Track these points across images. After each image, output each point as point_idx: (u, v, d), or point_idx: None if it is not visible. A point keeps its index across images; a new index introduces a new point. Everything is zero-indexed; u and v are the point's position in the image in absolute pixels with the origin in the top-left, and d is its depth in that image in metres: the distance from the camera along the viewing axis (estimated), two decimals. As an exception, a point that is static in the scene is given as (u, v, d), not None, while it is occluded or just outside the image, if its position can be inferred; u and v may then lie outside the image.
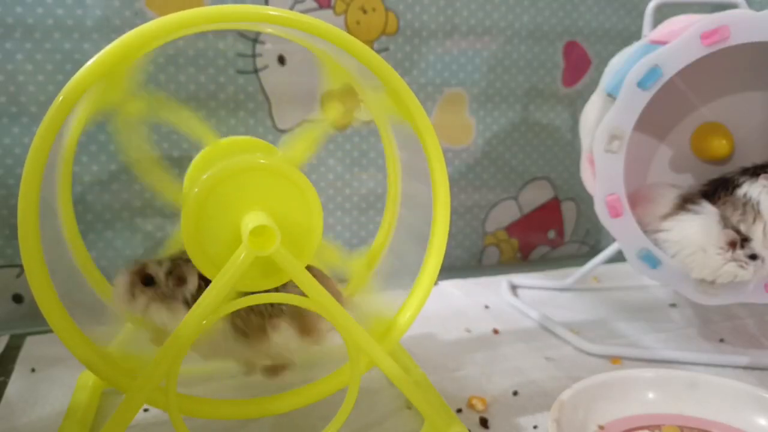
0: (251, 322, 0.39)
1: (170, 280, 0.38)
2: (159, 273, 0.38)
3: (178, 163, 0.62)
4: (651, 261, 0.50)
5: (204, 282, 0.37)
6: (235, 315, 0.37)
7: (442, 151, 0.39)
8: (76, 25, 0.57)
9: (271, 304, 0.39)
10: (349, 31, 0.65)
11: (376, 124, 0.46)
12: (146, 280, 0.38)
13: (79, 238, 0.45)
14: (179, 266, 0.38)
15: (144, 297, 0.38)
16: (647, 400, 0.43)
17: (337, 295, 0.39)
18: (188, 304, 0.37)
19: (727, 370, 0.52)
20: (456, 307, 0.64)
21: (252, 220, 0.34)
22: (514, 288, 0.69)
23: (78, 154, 0.59)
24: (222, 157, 0.38)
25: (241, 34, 0.62)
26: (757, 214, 0.49)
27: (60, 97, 0.32)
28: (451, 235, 0.70)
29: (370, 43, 0.67)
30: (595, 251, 0.74)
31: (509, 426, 0.44)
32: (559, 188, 0.80)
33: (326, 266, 0.45)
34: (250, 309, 0.38)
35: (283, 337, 0.39)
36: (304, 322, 0.40)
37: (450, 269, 0.71)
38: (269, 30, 0.43)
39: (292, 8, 0.63)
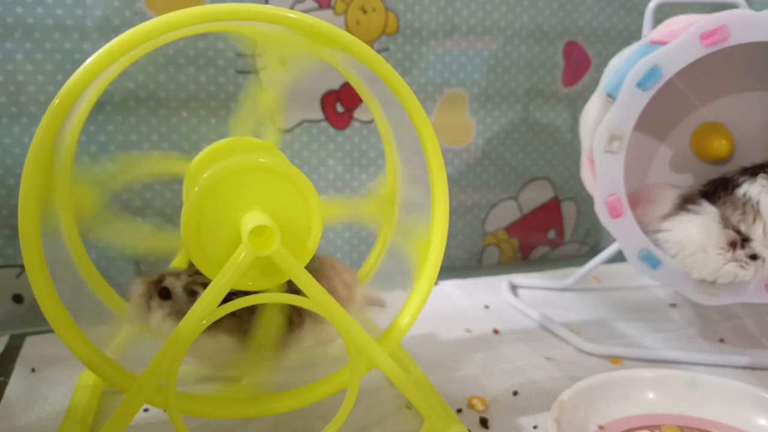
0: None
1: (185, 293, 0.38)
2: (176, 286, 0.38)
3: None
4: (651, 261, 0.50)
5: None
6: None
7: (442, 151, 0.39)
8: (76, 25, 0.57)
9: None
10: (348, 31, 0.65)
11: (376, 125, 0.46)
12: (163, 292, 0.38)
13: (79, 239, 0.45)
14: (195, 281, 0.38)
15: (161, 311, 0.38)
16: (647, 400, 0.43)
17: (349, 287, 0.38)
18: None
19: (727, 370, 0.52)
20: (456, 307, 0.64)
21: (252, 220, 0.34)
22: (514, 288, 0.69)
23: (78, 154, 0.59)
24: (222, 156, 0.38)
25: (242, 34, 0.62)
26: (757, 213, 0.49)
27: (59, 98, 0.32)
28: (451, 235, 0.70)
29: (370, 43, 0.67)
30: (595, 251, 0.74)
31: (509, 426, 0.44)
32: (559, 188, 0.80)
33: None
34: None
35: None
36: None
37: (450, 269, 0.71)
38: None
39: (292, 8, 0.63)
